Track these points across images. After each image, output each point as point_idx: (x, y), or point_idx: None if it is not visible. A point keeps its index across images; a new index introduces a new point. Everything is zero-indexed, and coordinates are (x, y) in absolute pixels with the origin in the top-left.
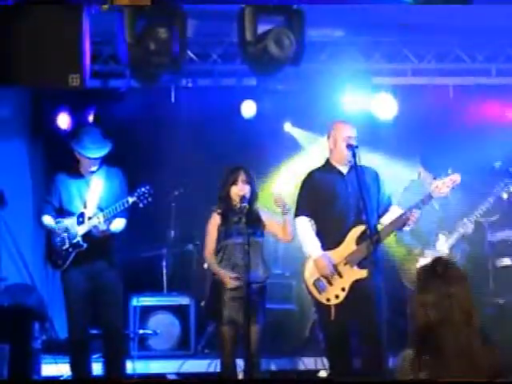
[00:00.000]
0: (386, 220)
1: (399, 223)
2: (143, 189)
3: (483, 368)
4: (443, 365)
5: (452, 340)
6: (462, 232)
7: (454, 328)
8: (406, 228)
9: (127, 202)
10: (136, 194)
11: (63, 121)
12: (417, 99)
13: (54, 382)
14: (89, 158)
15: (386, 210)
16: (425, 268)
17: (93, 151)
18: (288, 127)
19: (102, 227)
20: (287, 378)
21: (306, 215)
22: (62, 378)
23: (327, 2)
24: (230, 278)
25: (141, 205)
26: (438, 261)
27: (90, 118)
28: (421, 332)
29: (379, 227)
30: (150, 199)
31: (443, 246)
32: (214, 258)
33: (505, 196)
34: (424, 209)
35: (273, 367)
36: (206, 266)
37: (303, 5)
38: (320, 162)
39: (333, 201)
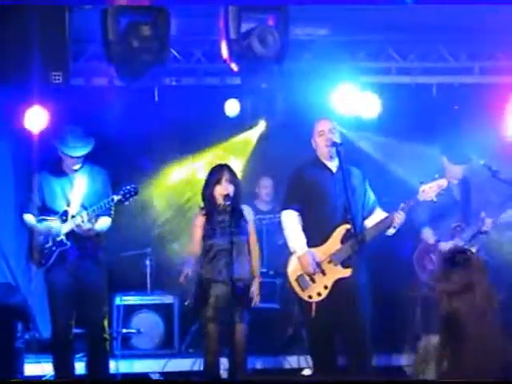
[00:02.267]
0: (371, 222)
1: (384, 225)
2: (128, 187)
3: (499, 354)
4: (466, 352)
5: (475, 328)
6: (478, 228)
7: (476, 316)
8: (391, 230)
9: (112, 200)
10: (121, 192)
11: (44, 119)
12: (400, 98)
13: (36, 382)
14: (71, 157)
15: (370, 213)
16: (445, 257)
17: (75, 150)
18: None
19: (86, 226)
20: (279, 377)
21: (294, 209)
22: (44, 378)
23: (325, 2)
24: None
25: (126, 203)
26: (457, 250)
27: (73, 117)
28: (445, 320)
29: (364, 228)
30: (135, 197)
31: (461, 239)
32: (195, 259)
33: None
34: (443, 201)
35: (256, 366)
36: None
37: (291, 5)
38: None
39: (321, 198)
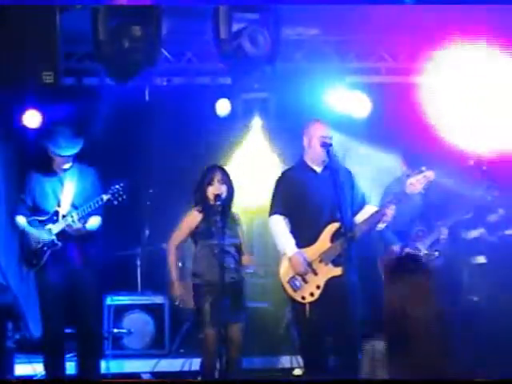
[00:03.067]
0: (361, 217)
1: (374, 220)
2: (117, 186)
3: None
4: (410, 354)
5: (417, 331)
6: (437, 235)
7: (420, 318)
8: (382, 225)
9: (101, 199)
10: (110, 192)
11: (34, 119)
12: (391, 97)
13: (27, 382)
14: (61, 156)
15: (360, 209)
16: (393, 261)
17: (65, 149)
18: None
19: (77, 225)
20: (274, 377)
21: (280, 213)
22: (35, 378)
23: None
24: (177, 286)
25: (115, 202)
26: (405, 255)
27: (63, 116)
28: (390, 323)
29: (354, 225)
30: (124, 197)
31: (422, 244)
32: (176, 253)
33: (478, 194)
34: (405, 206)
35: (248, 366)
36: (180, 264)
37: (283, 4)
38: (293, 162)
39: (306, 199)
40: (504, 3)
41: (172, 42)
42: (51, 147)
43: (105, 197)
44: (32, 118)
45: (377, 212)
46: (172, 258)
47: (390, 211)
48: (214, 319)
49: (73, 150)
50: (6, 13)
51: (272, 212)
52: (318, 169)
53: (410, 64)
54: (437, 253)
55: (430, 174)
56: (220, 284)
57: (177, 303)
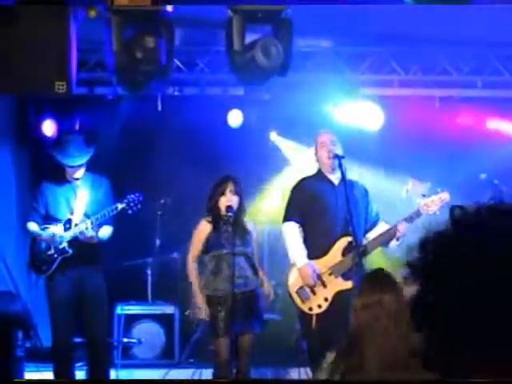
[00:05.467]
0: (373, 235)
1: (387, 237)
2: (133, 195)
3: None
4: (362, 370)
5: (375, 347)
6: None
7: (379, 335)
8: (395, 242)
9: (116, 208)
10: (125, 201)
11: (48, 128)
12: (403, 110)
13: (36, 382)
14: (70, 167)
15: (373, 226)
16: (366, 276)
17: (74, 159)
18: (274, 137)
19: (90, 233)
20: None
21: (295, 221)
22: None
23: (326, 3)
24: (200, 299)
25: (130, 211)
26: (378, 270)
27: (76, 126)
28: (348, 335)
29: (366, 241)
30: (139, 206)
31: None
32: (195, 265)
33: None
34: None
35: (256, 377)
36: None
37: (294, 6)
38: (308, 172)
39: (322, 210)
40: None
41: (184, 52)
42: (60, 158)
43: (120, 205)
44: (45, 128)
45: (388, 230)
46: (190, 271)
47: (403, 229)
48: (226, 330)
49: (81, 161)
50: (19, 21)
51: (286, 218)
52: (336, 181)
53: (423, 76)
54: None
55: (445, 196)
56: (230, 294)
57: (187, 313)
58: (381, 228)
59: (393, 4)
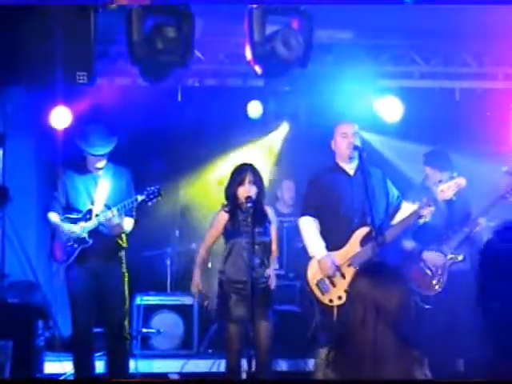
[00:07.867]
0: (399, 218)
1: (406, 224)
2: (152, 187)
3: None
4: (355, 364)
5: (369, 340)
6: (461, 238)
7: (373, 329)
8: (420, 221)
9: (136, 200)
10: (145, 193)
11: (68, 118)
12: (423, 102)
13: (56, 381)
14: (93, 155)
15: (397, 209)
16: (361, 270)
17: (97, 148)
18: None
19: (116, 220)
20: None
21: (311, 215)
22: (63, 377)
23: (334, 2)
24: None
25: (149, 203)
26: (374, 264)
27: (96, 116)
28: (341, 326)
29: (386, 229)
30: (159, 198)
31: (448, 247)
32: (202, 253)
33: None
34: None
35: (276, 368)
36: (209, 265)
37: (311, 5)
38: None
39: (339, 201)
40: None
41: (205, 43)
42: (84, 146)
43: (139, 197)
44: (66, 118)
45: (412, 213)
46: (198, 259)
47: (428, 211)
48: (237, 317)
49: (105, 149)
50: (42, 13)
51: (303, 213)
52: (351, 171)
53: (444, 68)
54: (461, 256)
55: (461, 181)
56: (244, 282)
57: (195, 297)
58: (405, 209)
59: (393, 4)
